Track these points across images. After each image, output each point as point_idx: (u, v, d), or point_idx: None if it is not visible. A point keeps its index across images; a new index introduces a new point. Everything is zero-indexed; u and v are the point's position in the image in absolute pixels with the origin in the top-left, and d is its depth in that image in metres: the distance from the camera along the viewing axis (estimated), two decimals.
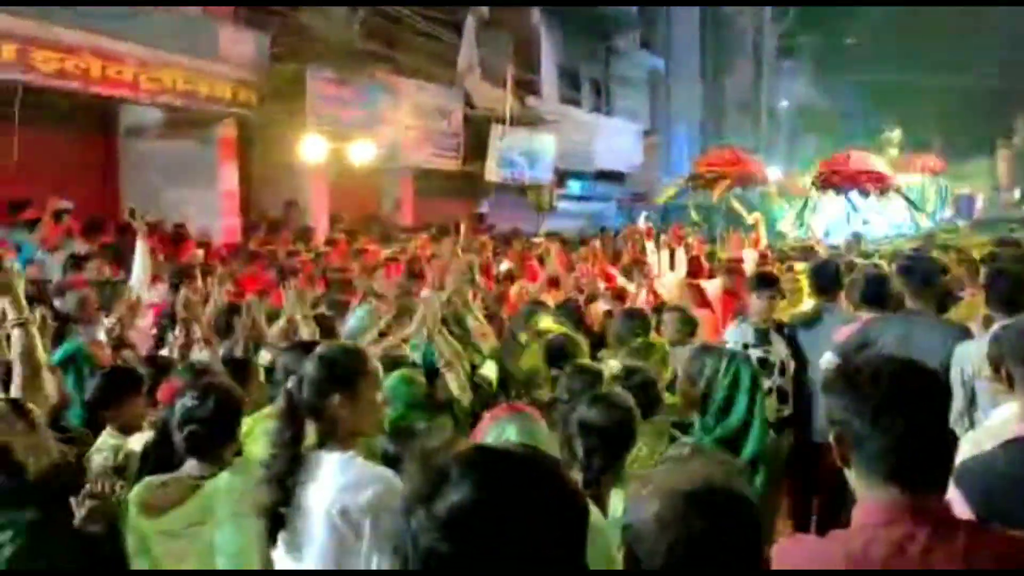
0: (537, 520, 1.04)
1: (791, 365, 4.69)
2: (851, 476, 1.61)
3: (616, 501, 2.53)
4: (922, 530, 1.48)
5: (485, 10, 15.70)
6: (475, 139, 15.13)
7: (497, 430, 2.72)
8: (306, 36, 11.77)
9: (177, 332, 4.69)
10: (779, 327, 4.81)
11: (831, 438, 1.63)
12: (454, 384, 3.64)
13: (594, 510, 2.33)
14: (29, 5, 8.00)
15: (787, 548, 1.65)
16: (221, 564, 2.30)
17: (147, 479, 2.38)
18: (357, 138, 12.18)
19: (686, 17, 26.62)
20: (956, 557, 1.45)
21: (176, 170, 10.85)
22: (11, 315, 2.95)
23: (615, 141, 20.29)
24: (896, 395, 1.55)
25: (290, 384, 2.32)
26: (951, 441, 1.58)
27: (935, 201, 17.91)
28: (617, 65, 23.15)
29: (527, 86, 17.40)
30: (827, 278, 5.08)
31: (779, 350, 4.66)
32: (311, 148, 11.46)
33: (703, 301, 6.64)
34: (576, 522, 1.09)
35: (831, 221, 16.22)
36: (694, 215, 15.62)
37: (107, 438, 3.17)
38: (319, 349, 2.48)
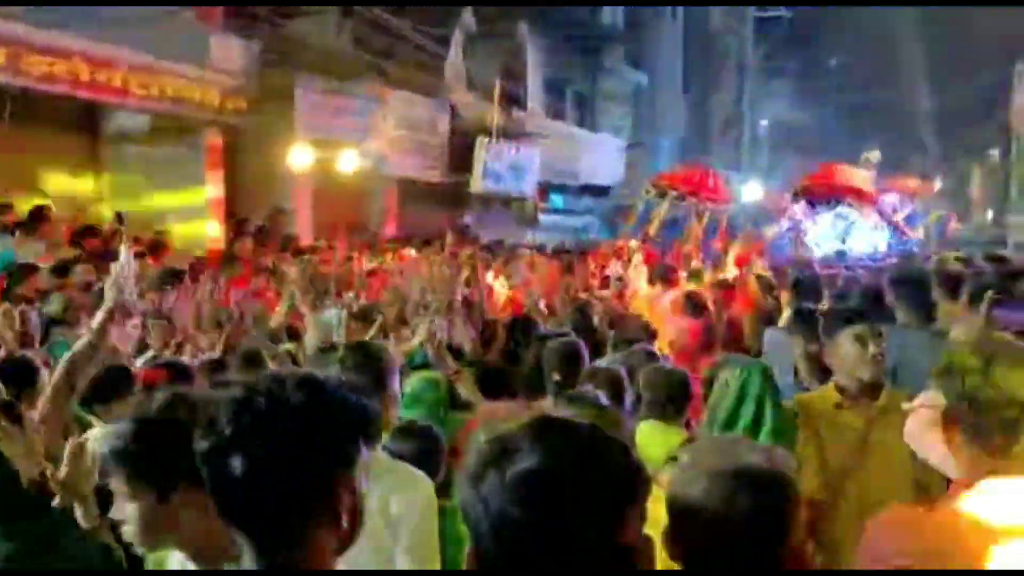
0: (605, 487, 1.09)
1: None
2: (956, 457, 1.73)
3: None
4: None
5: (472, 22, 15.82)
6: (461, 151, 15.22)
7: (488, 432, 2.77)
8: (296, 45, 11.84)
9: (158, 332, 4.75)
10: None
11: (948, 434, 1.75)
12: (466, 391, 3.77)
13: None
14: (20, 5, 8.02)
15: (896, 522, 1.73)
16: None
17: None
18: (344, 147, 12.23)
19: (671, 34, 26.90)
20: None
21: (162, 176, 10.86)
22: None
23: (599, 155, 20.43)
24: (1015, 384, 1.66)
25: None
26: None
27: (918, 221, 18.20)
28: (602, 80, 23.35)
29: (513, 99, 17.51)
30: (809, 291, 5.20)
31: None
32: (298, 156, 11.49)
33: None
34: (640, 491, 1.15)
35: (817, 236, 16.44)
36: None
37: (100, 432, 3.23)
38: (353, 349, 2.54)
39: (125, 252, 6.56)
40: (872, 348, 2.94)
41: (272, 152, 11.40)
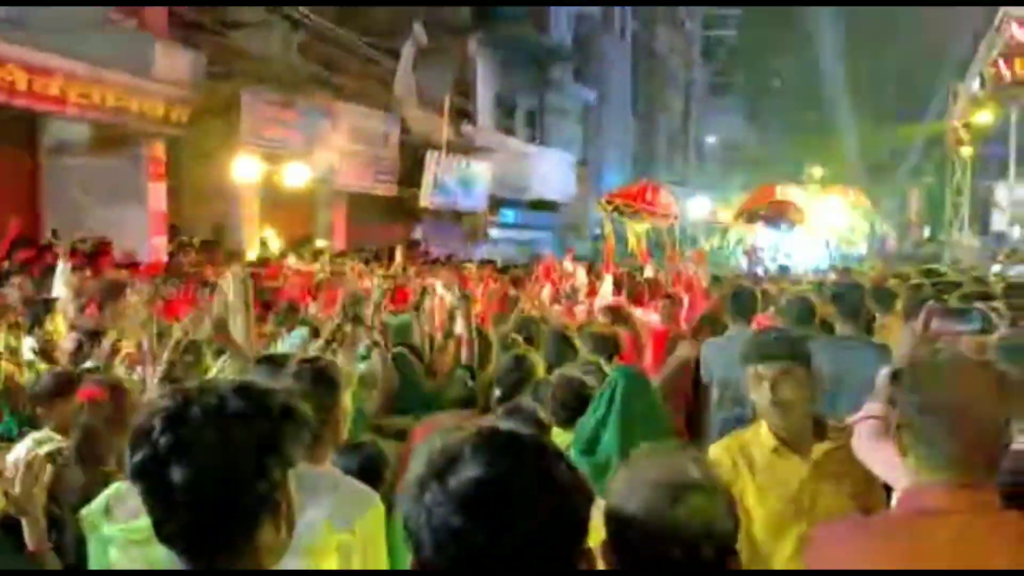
0: (545, 497, 1.08)
1: None
2: (906, 464, 1.72)
3: None
4: (981, 520, 1.61)
5: (423, 37, 15.84)
6: (410, 165, 15.19)
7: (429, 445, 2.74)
8: (243, 57, 11.70)
9: (103, 347, 4.61)
10: None
11: (894, 427, 1.73)
12: None
13: None
14: None
15: (845, 529, 1.75)
16: None
17: (117, 484, 2.34)
18: (292, 160, 12.11)
19: (619, 52, 27.28)
20: (1011, 546, 1.59)
21: (102, 188, 10.59)
22: None
23: (549, 171, 20.58)
24: (965, 392, 1.66)
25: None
26: (1006, 435, 1.69)
27: (865, 231, 18.71)
28: (551, 96, 23.55)
29: (463, 114, 17.55)
30: (745, 304, 5.31)
31: None
32: (244, 169, 11.34)
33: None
34: (581, 501, 1.14)
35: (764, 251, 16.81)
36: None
37: (44, 435, 3.13)
38: (305, 364, 2.49)
39: (62, 266, 6.41)
40: (766, 392, 2.44)
41: (217, 164, 11.23)
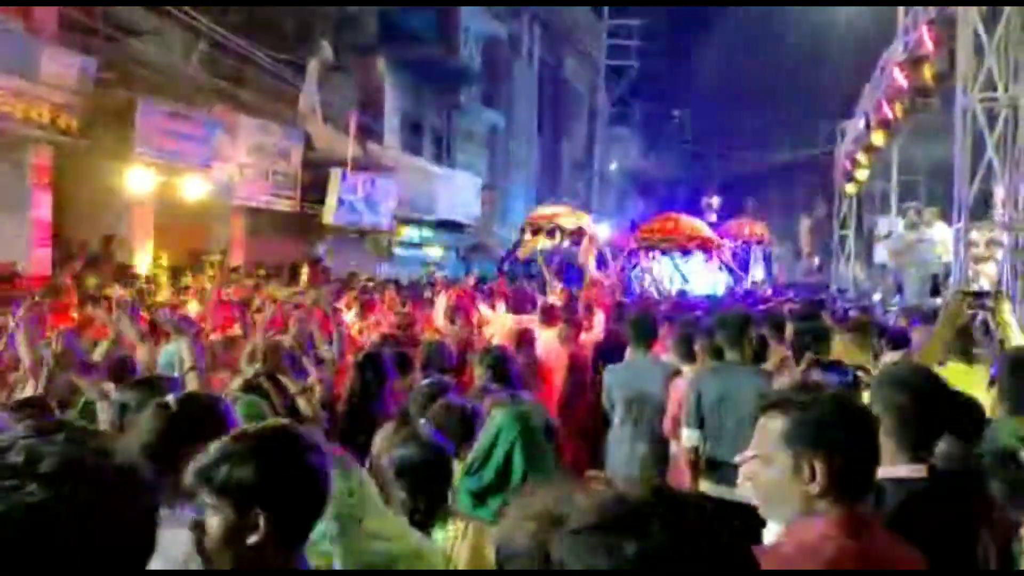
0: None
1: None
2: (821, 502, 1.75)
3: (439, 538, 2.57)
4: (879, 541, 1.76)
5: (329, 53, 15.66)
6: (314, 181, 14.94)
7: None
8: (140, 64, 11.30)
9: None
10: None
11: (818, 464, 1.73)
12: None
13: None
14: None
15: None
16: None
17: None
18: (189, 173, 11.73)
19: (526, 77, 27.65)
20: (905, 562, 1.78)
21: None
22: None
23: (455, 192, 20.59)
24: (866, 421, 1.84)
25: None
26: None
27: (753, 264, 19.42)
28: (459, 118, 23.63)
29: (369, 132, 17.40)
30: (645, 329, 5.44)
31: None
32: (137, 180, 10.91)
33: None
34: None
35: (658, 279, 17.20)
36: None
37: None
38: (177, 395, 2.36)
39: None
40: None
41: (108, 174, 10.77)
